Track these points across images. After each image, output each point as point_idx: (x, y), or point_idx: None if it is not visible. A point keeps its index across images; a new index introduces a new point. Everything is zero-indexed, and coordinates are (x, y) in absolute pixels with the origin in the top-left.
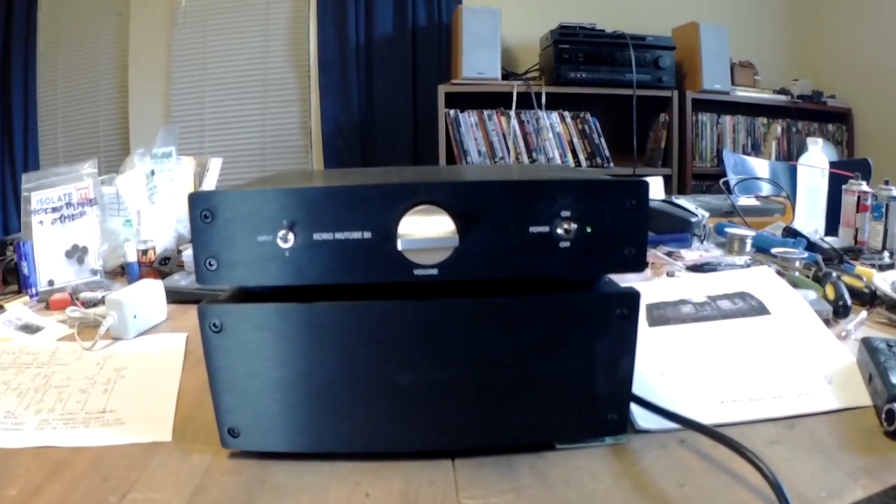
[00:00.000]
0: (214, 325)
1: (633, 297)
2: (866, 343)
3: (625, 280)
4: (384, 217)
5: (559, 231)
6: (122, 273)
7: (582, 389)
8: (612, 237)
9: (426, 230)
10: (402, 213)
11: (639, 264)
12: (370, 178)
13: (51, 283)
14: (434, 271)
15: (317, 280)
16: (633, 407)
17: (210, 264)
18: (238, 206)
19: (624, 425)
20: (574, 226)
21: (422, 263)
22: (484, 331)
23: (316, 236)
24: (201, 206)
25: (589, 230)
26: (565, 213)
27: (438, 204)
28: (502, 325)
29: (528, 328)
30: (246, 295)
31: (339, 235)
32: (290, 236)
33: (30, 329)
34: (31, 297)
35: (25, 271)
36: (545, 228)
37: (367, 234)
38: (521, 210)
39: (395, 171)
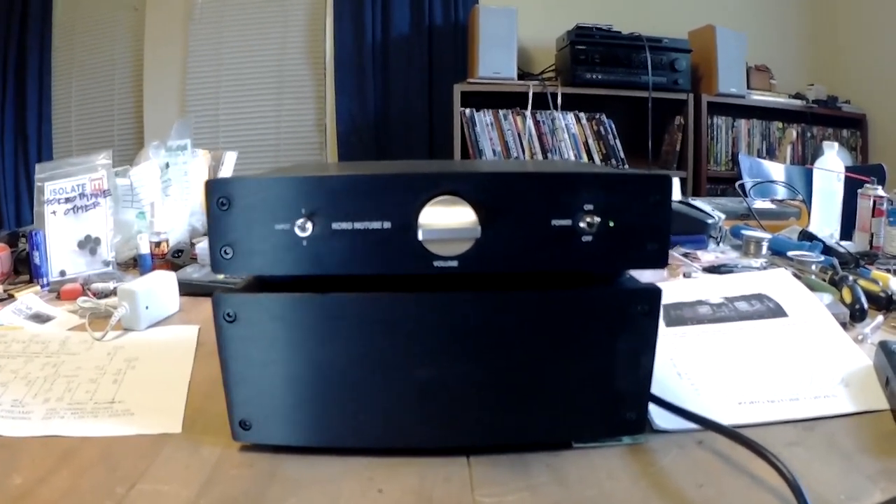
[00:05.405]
0: (228, 314)
1: (654, 293)
2: (884, 346)
3: (642, 279)
4: (405, 207)
5: (582, 225)
6: (135, 265)
7: (600, 387)
8: (635, 232)
9: (448, 220)
10: (423, 204)
11: (660, 260)
12: (390, 169)
13: (62, 273)
14: (454, 263)
15: (334, 270)
16: (651, 407)
17: (226, 252)
18: (256, 193)
19: (642, 425)
20: (597, 219)
21: (442, 255)
22: (503, 325)
23: (335, 226)
24: (218, 192)
25: (612, 224)
26: (588, 207)
27: (460, 195)
28: (522, 319)
29: (547, 323)
30: (261, 284)
31: (358, 225)
32: (309, 225)
33: (40, 318)
34: (42, 286)
35: (37, 261)
36: (568, 222)
37: (387, 225)
38: (543, 203)
39: (414, 163)
